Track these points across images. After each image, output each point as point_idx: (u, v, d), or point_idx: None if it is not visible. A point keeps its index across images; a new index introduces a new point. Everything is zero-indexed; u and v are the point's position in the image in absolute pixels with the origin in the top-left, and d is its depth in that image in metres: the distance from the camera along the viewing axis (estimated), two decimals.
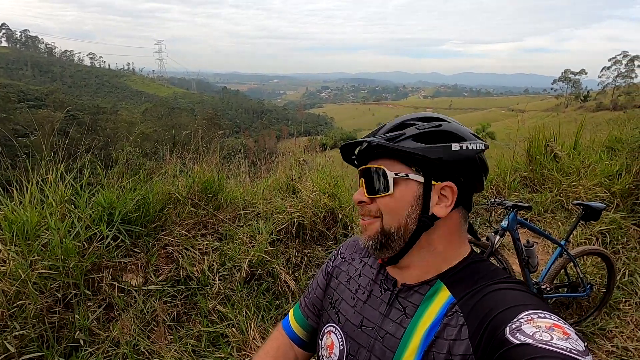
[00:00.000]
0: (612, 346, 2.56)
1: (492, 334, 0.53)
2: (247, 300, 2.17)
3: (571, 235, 2.62)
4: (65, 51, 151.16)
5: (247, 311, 2.11)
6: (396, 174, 0.67)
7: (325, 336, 0.77)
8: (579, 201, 2.45)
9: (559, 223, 3.65)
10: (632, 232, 3.53)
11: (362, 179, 0.71)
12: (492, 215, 2.33)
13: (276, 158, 3.82)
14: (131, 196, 2.28)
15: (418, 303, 0.67)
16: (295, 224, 2.66)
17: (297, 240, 2.68)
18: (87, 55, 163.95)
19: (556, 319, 0.52)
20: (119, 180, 2.39)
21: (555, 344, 0.47)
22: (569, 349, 0.46)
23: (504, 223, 2.36)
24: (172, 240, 2.33)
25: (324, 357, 0.76)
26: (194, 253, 2.34)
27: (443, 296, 0.65)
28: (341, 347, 0.72)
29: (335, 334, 0.75)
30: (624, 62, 58.49)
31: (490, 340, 0.53)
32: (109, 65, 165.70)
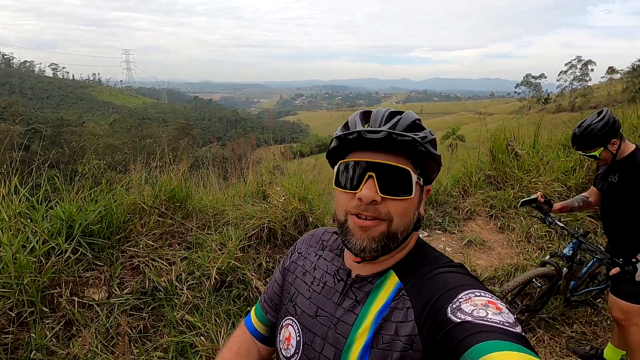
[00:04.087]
0: (572, 332, 2.70)
1: (435, 315, 0.57)
2: (217, 308, 2.13)
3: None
4: (25, 62, 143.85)
5: (217, 319, 2.07)
6: (418, 178, 0.66)
7: (283, 330, 0.79)
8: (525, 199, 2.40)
9: (521, 218, 3.83)
10: (588, 223, 3.76)
11: (373, 174, 0.64)
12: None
13: (247, 166, 3.80)
14: (93, 208, 2.20)
15: (369, 291, 0.69)
16: (266, 229, 2.65)
17: (268, 246, 2.67)
18: (48, 66, 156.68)
19: (490, 296, 0.57)
20: (81, 192, 2.30)
21: (490, 318, 0.52)
22: (501, 322, 0.51)
23: (568, 251, 2.41)
24: (137, 252, 2.27)
25: (281, 350, 0.77)
26: (161, 263, 2.28)
27: (392, 282, 0.68)
28: (298, 339, 0.74)
29: (292, 327, 0.76)
30: (579, 66, 62.42)
31: (434, 321, 0.57)
32: (72, 76, 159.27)
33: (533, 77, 70.89)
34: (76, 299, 1.91)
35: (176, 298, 2.11)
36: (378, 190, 0.63)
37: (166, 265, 2.29)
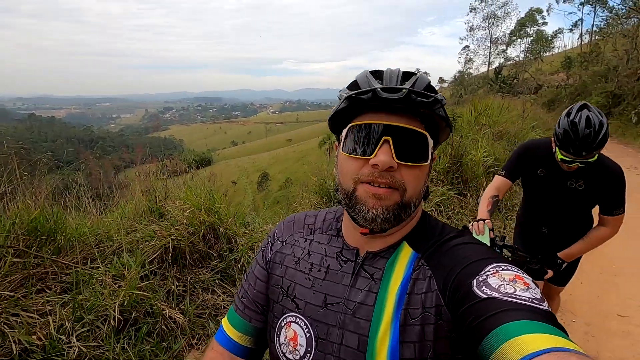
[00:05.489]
0: None
1: (459, 286, 0.54)
2: (127, 352, 1.74)
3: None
4: None
5: None
6: (434, 143, 0.62)
7: (283, 330, 0.67)
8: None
9: None
10: (455, 200, 4.51)
11: (389, 139, 0.58)
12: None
13: (121, 188, 3.25)
14: None
15: (384, 266, 0.64)
16: (171, 250, 2.31)
17: (175, 268, 2.33)
18: None
19: (516, 270, 0.55)
20: None
21: (518, 295, 0.49)
22: (530, 299, 0.49)
23: None
24: None
25: (285, 354, 0.65)
26: (30, 317, 1.74)
27: (406, 253, 0.64)
28: (307, 335, 0.64)
29: (297, 323, 0.66)
30: None
31: (458, 293, 0.54)
32: None
33: None
34: None
35: (63, 355, 1.63)
36: (394, 155, 0.58)
37: (38, 318, 1.76)
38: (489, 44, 39.68)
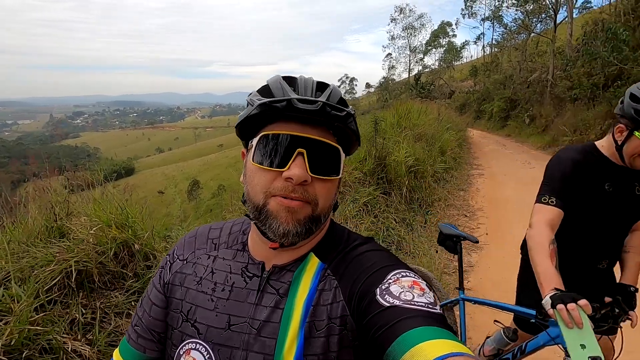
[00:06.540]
0: None
1: (364, 295, 0.56)
2: None
3: None
4: None
5: None
6: (345, 156, 0.62)
7: (182, 359, 0.62)
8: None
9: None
10: (381, 199, 4.75)
11: (303, 151, 0.57)
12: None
13: (9, 208, 2.81)
14: None
15: (291, 280, 0.62)
16: (74, 273, 2.04)
17: (81, 293, 2.06)
18: None
19: (413, 276, 0.58)
20: None
21: (417, 301, 0.52)
22: (426, 304, 0.52)
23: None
24: None
25: None
26: None
27: (313, 265, 0.64)
28: None
29: (198, 350, 0.61)
30: (347, 82, 78.49)
31: (363, 302, 0.55)
32: None
33: None
34: None
35: None
36: (308, 169, 0.57)
37: None
38: (408, 52, 42.95)
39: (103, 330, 2.00)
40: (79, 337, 1.86)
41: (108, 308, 2.10)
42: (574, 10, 19.01)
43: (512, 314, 1.71)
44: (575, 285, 1.45)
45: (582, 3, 24.40)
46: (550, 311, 1.02)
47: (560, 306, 1.00)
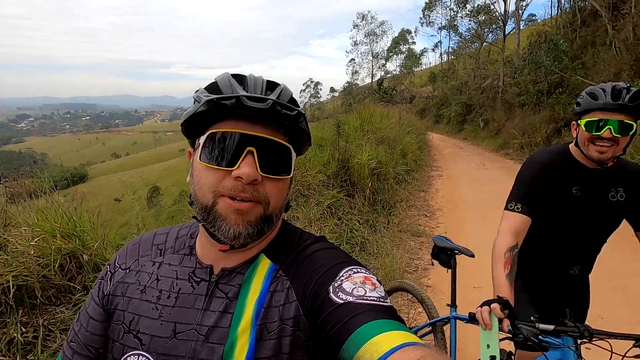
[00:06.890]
0: None
1: (317, 294, 0.56)
2: None
3: None
4: None
5: None
6: (296, 155, 0.61)
7: None
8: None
9: (302, 207, 4.46)
10: (345, 202, 4.81)
11: (253, 150, 0.56)
12: None
13: None
14: None
15: (241, 283, 0.61)
16: (12, 289, 1.87)
17: (21, 311, 1.89)
18: None
19: (365, 271, 0.59)
20: None
21: (369, 296, 0.53)
22: (377, 298, 0.53)
23: None
24: None
25: None
26: None
27: (264, 266, 0.62)
28: None
29: None
30: (312, 86, 79.11)
31: (316, 301, 0.55)
32: None
33: None
34: None
35: None
36: (258, 168, 0.56)
37: None
38: (371, 58, 44.06)
39: (47, 349, 1.85)
40: (18, 358, 1.71)
41: (52, 325, 1.95)
42: (521, 22, 20.52)
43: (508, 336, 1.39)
44: (547, 291, 1.52)
45: (527, 16, 26.39)
46: (478, 314, 1.13)
47: (478, 309, 1.13)
